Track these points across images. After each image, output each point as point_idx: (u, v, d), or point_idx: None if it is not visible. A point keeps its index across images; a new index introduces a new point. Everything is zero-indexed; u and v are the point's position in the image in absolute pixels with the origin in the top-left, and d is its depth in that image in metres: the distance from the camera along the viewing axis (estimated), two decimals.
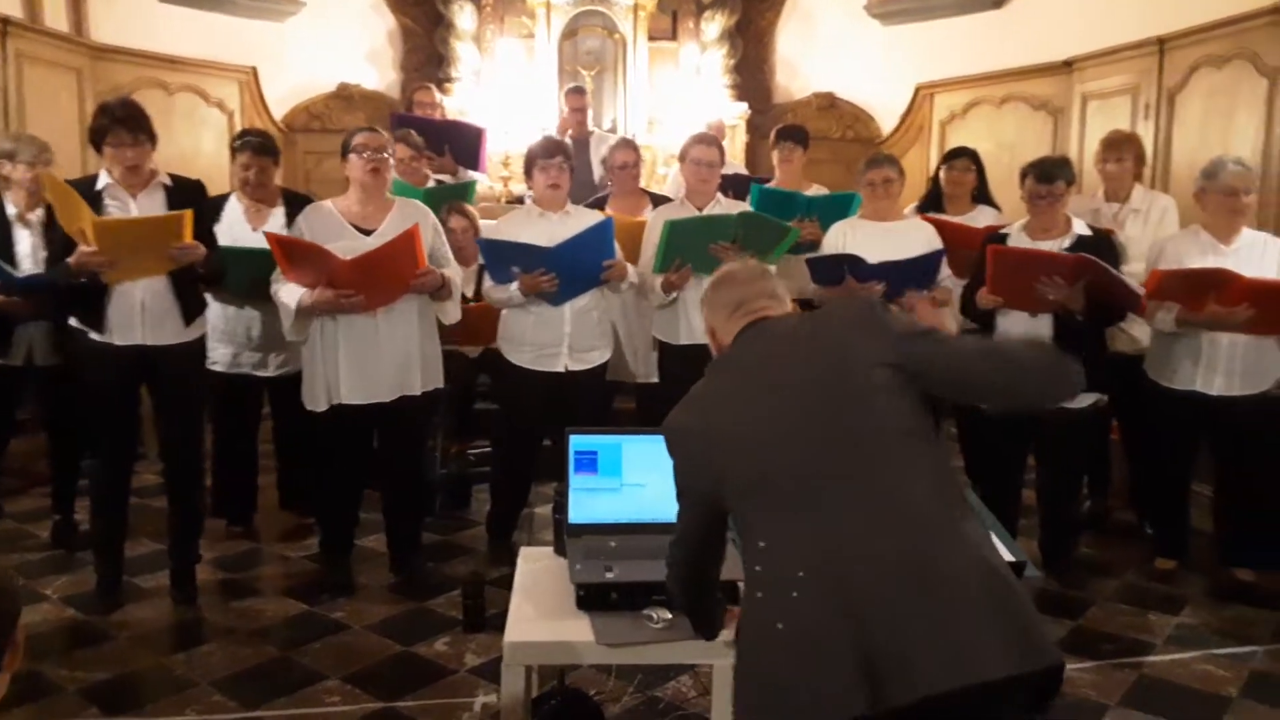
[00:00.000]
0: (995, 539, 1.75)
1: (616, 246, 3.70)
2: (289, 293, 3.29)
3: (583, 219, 3.73)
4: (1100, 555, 3.94)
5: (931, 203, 4.45)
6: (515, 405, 3.86)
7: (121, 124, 3.16)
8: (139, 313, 3.23)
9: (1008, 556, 1.88)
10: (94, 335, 3.25)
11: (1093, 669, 3.02)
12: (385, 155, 3.36)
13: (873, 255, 3.72)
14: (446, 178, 5.14)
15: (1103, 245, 3.49)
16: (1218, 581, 3.62)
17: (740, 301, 1.81)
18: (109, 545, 3.42)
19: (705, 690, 2.75)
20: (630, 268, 3.74)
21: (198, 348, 3.45)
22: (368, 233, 3.35)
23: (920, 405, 1.64)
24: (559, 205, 3.73)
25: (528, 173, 3.85)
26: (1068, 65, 5.89)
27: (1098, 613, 3.45)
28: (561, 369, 3.71)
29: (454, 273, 3.51)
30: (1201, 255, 3.46)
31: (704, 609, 1.95)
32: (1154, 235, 3.96)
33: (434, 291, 3.42)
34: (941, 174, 4.44)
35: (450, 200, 4.44)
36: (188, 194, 3.33)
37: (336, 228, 3.34)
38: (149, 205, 3.25)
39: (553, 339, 3.69)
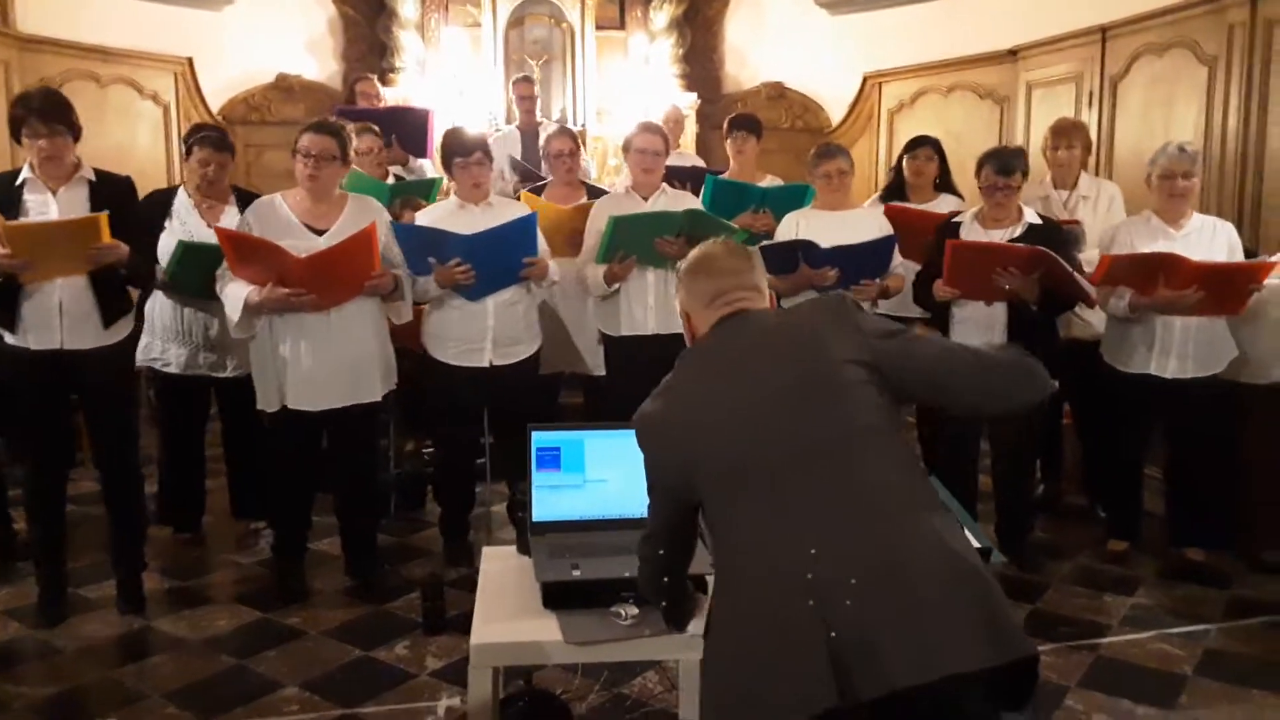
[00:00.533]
0: (964, 528, 1.75)
1: (542, 243, 3.63)
2: (236, 289, 3.18)
3: (506, 211, 3.65)
4: (1054, 539, 4.00)
5: (894, 192, 4.46)
6: (445, 403, 3.75)
7: (37, 114, 3.01)
8: (57, 315, 3.08)
9: (974, 544, 1.88)
10: (9, 338, 3.11)
11: (1051, 651, 3.05)
12: (333, 157, 3.23)
13: (826, 243, 3.72)
14: (398, 168, 5.03)
15: (1054, 234, 3.54)
16: (1169, 562, 3.69)
17: (720, 292, 1.77)
18: (49, 555, 3.30)
19: (672, 686, 2.74)
20: (552, 265, 3.64)
21: (123, 350, 3.29)
22: (320, 232, 3.25)
23: (890, 400, 1.63)
24: (481, 198, 3.65)
25: (445, 168, 3.73)
26: (1013, 54, 5.97)
27: (1054, 595, 3.50)
28: (486, 364, 3.62)
29: (405, 272, 3.43)
30: (1152, 240, 3.51)
31: (675, 603, 1.95)
32: (1103, 221, 4.02)
33: (387, 292, 3.34)
34: (904, 163, 4.45)
35: (410, 196, 4.34)
36: (113, 190, 3.19)
37: (286, 225, 3.24)
38: (70, 201, 3.10)
39: (476, 333, 3.59)
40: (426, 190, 4.50)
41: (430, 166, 5.24)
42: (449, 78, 6.57)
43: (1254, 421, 3.63)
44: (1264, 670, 2.93)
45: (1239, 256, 3.52)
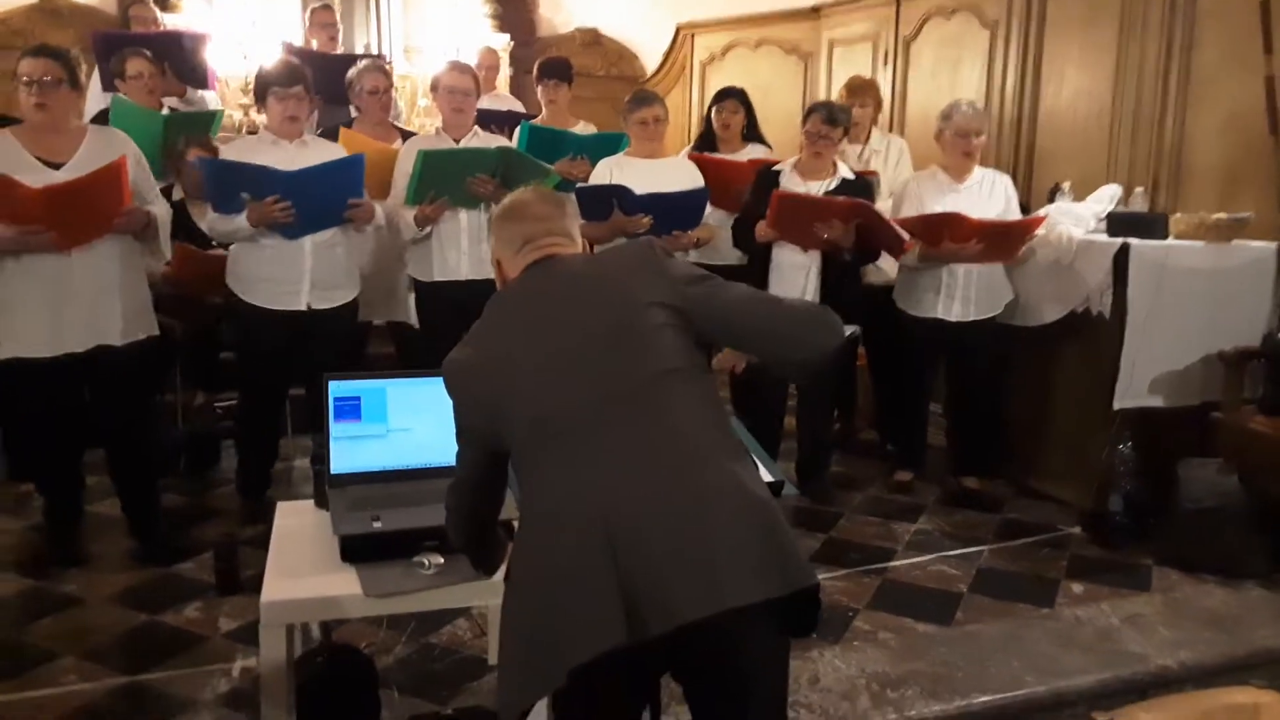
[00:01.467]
0: (759, 463, 1.82)
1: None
2: None
3: (321, 150, 3.47)
4: (848, 472, 4.24)
5: (705, 143, 4.51)
6: (253, 349, 3.54)
7: None
8: None
9: (768, 477, 1.96)
10: None
11: (843, 576, 3.25)
12: (59, 81, 2.91)
13: (640, 190, 3.74)
14: (175, 101, 4.63)
15: (865, 188, 3.75)
16: (948, 490, 3.99)
17: (530, 237, 1.75)
18: None
19: (482, 631, 2.73)
20: (378, 208, 3.50)
21: None
22: (56, 166, 2.93)
23: (693, 343, 1.66)
24: (296, 134, 3.45)
25: (260, 99, 3.50)
26: (816, 12, 6.15)
27: (846, 524, 3.72)
28: (303, 307, 3.43)
29: (161, 210, 3.18)
30: (939, 193, 3.77)
31: (484, 550, 1.93)
32: (892, 173, 4.26)
33: (139, 231, 3.09)
34: (712, 115, 4.51)
35: (191, 131, 4.00)
36: None
37: (16, 160, 2.89)
38: None
39: (292, 274, 3.40)
40: (207, 124, 4.16)
41: (213, 99, 4.84)
42: (240, 6, 6.12)
43: (1021, 360, 3.96)
44: (1028, 586, 3.22)
45: (1014, 204, 3.84)
